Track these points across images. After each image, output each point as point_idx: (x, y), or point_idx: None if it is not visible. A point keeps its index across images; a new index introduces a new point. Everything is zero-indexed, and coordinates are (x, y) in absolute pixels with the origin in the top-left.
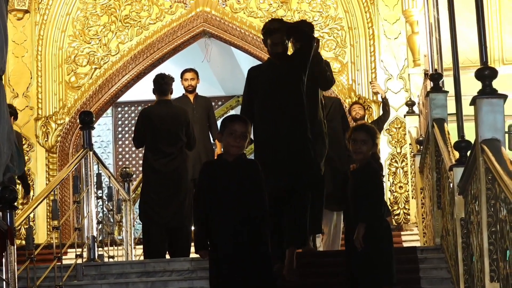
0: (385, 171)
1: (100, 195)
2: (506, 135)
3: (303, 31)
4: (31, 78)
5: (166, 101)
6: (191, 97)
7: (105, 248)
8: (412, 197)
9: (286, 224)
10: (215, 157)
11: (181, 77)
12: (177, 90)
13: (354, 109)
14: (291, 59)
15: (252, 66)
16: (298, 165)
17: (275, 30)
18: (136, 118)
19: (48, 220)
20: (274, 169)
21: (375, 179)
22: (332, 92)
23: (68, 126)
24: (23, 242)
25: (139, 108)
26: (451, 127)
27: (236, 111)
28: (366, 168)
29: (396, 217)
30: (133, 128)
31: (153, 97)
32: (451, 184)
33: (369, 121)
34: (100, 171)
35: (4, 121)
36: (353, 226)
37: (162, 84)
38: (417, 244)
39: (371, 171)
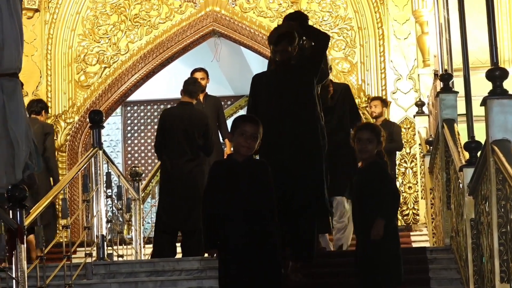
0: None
1: (110, 194)
2: None
3: (318, 33)
4: (41, 77)
5: (188, 103)
6: (200, 96)
7: (115, 247)
8: (422, 198)
9: (292, 236)
10: (225, 157)
11: (191, 76)
12: None
13: (371, 106)
14: (301, 65)
15: (256, 73)
16: (303, 179)
17: (279, 40)
18: (145, 117)
19: (58, 219)
20: (278, 177)
21: (382, 178)
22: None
23: (77, 125)
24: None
25: (148, 107)
26: (461, 128)
27: (245, 110)
28: (372, 167)
29: (405, 217)
30: (142, 127)
31: (162, 96)
32: (461, 185)
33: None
34: (109, 170)
35: (21, 119)
36: (359, 224)
37: (191, 85)
38: (427, 244)
39: (377, 171)
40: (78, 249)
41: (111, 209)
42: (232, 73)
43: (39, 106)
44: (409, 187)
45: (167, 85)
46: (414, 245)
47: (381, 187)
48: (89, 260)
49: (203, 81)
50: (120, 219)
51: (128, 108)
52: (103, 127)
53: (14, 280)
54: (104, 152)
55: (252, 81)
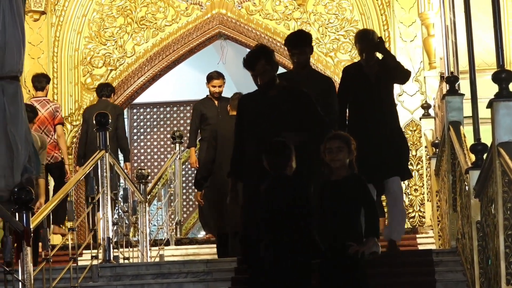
0: None
1: (116, 196)
2: None
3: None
4: None
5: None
6: (215, 100)
7: (121, 250)
8: (428, 200)
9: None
10: None
11: (208, 81)
12: (200, 90)
13: None
14: (292, 98)
15: (243, 94)
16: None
17: (254, 62)
18: (152, 120)
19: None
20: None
21: (364, 192)
22: None
23: None
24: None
25: (155, 109)
26: (467, 130)
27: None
28: (351, 181)
29: (411, 219)
30: (148, 130)
31: (169, 98)
32: (467, 187)
33: None
34: (115, 173)
35: (21, 122)
36: (330, 236)
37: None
38: (433, 247)
39: (358, 186)
40: (84, 251)
41: (117, 211)
42: (238, 76)
43: (108, 89)
44: (415, 190)
45: (173, 88)
46: (420, 247)
47: (364, 201)
48: (95, 262)
49: (220, 88)
50: (126, 221)
51: (134, 110)
52: (109, 129)
53: (20, 283)
54: (110, 155)
55: (239, 102)
